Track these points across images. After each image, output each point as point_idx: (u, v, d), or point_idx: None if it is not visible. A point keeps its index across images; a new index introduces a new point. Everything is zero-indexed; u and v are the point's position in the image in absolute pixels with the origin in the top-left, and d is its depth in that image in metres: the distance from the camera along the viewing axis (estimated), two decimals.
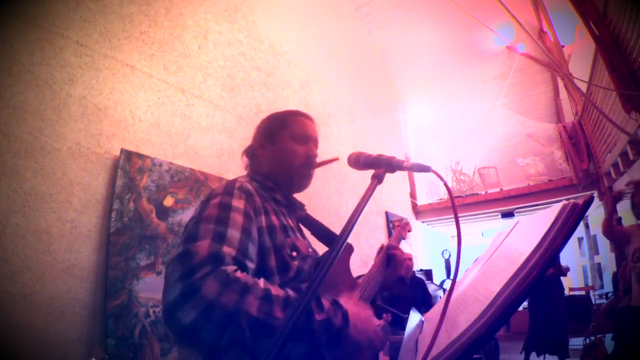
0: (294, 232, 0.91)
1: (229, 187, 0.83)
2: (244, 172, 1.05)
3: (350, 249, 0.99)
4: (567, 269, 4.23)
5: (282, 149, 0.98)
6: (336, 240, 0.59)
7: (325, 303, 0.73)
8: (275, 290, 0.69)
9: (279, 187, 0.96)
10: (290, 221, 0.94)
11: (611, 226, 2.78)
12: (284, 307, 0.67)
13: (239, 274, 0.68)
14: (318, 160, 1.02)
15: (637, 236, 2.58)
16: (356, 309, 0.78)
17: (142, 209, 2.19)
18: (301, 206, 1.02)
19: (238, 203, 0.80)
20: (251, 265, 0.75)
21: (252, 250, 0.77)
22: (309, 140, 1.01)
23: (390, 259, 1.14)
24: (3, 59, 1.76)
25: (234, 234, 0.74)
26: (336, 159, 1.04)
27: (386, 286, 1.13)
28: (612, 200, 2.84)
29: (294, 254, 0.85)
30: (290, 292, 0.71)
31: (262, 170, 0.99)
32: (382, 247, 1.17)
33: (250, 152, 1.05)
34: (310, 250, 0.91)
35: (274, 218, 0.87)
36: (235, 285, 0.65)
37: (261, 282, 0.69)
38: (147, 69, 2.46)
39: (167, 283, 0.67)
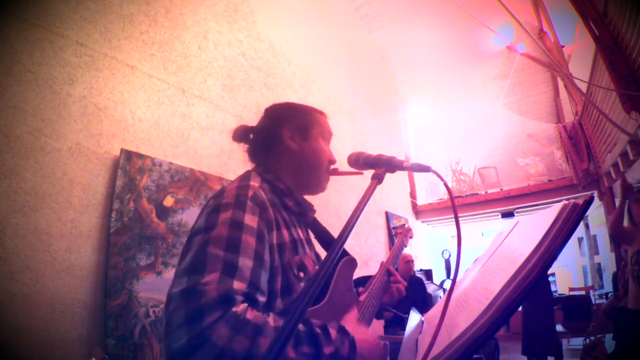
0: (302, 246, 0.86)
1: (241, 197, 0.74)
2: (245, 168, 0.95)
3: (353, 264, 0.94)
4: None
5: (315, 147, 0.93)
6: (332, 247, 0.56)
7: (332, 332, 0.70)
8: None
9: (290, 190, 0.89)
10: (299, 231, 0.89)
11: (621, 226, 2.68)
12: (295, 344, 0.65)
13: (249, 314, 0.63)
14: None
15: (638, 238, 2.57)
16: (362, 332, 0.76)
17: (142, 209, 2.20)
18: (311, 208, 0.96)
19: (251, 220, 0.72)
20: (262, 299, 0.70)
21: (264, 278, 0.72)
22: (329, 143, 0.99)
23: (387, 287, 1.09)
24: (3, 59, 1.76)
25: (245, 263, 0.67)
26: (361, 173, 0.94)
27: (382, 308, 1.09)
28: (623, 195, 2.73)
29: (301, 274, 0.81)
30: (301, 326, 0.68)
31: (280, 166, 0.91)
32: (382, 265, 1.12)
33: (269, 141, 0.93)
34: (317, 267, 0.87)
35: (285, 233, 0.81)
36: (246, 328, 0.61)
37: (271, 320, 0.65)
38: (147, 69, 2.46)
39: (171, 325, 0.61)
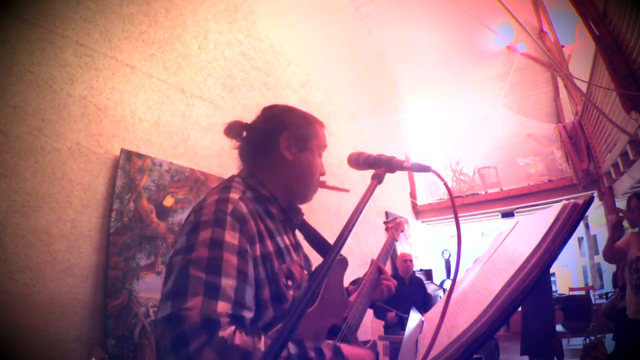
0: (289, 253, 0.85)
1: (220, 214, 0.72)
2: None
3: (344, 264, 0.94)
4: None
5: (311, 160, 0.91)
6: (332, 247, 0.56)
7: (327, 353, 0.70)
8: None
9: (274, 197, 0.88)
10: (285, 238, 0.87)
11: (613, 251, 2.69)
12: None
13: (237, 339, 0.62)
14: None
15: (633, 246, 2.55)
16: (357, 350, 0.77)
17: (142, 209, 2.19)
18: (298, 212, 0.95)
19: (231, 237, 0.71)
20: (249, 315, 0.69)
21: (250, 294, 0.71)
22: (322, 155, 0.97)
23: (377, 283, 1.09)
24: (3, 59, 1.76)
25: (228, 282, 0.66)
26: (347, 190, 0.99)
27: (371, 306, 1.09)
28: (612, 227, 2.73)
29: (289, 283, 0.80)
30: (292, 349, 0.67)
31: (269, 172, 0.89)
32: (372, 262, 1.11)
33: (263, 144, 0.89)
34: (305, 272, 0.88)
35: (268, 243, 0.80)
36: (235, 354, 0.60)
37: (262, 345, 0.64)
38: (147, 69, 2.46)
39: (160, 351, 0.62)
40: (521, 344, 3.96)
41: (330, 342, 0.75)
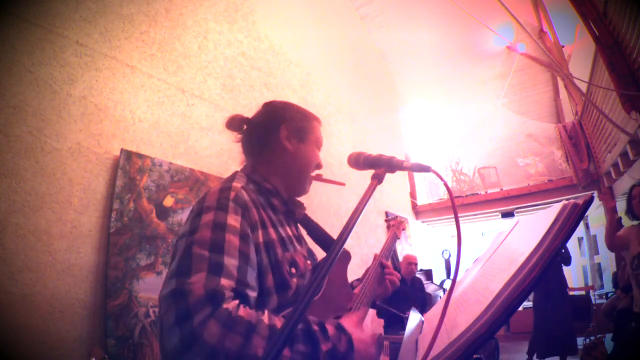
0: (292, 243, 0.87)
1: (223, 199, 0.75)
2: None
3: (347, 257, 0.95)
4: (569, 258, 4.07)
5: (309, 151, 0.94)
6: (332, 247, 0.56)
7: (330, 328, 0.71)
8: (281, 324, 0.65)
9: (277, 190, 0.90)
10: (288, 229, 0.89)
11: (613, 237, 2.67)
12: (291, 343, 0.65)
13: (242, 311, 0.63)
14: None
15: (635, 241, 2.55)
16: (360, 332, 0.77)
17: (142, 209, 2.20)
18: (300, 205, 0.98)
19: (234, 221, 0.73)
20: (252, 294, 0.70)
21: (252, 275, 0.72)
22: (320, 150, 1.00)
23: (381, 279, 1.09)
24: (3, 59, 1.76)
25: (231, 261, 0.68)
26: (343, 184, 1.04)
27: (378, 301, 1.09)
28: (610, 212, 2.71)
29: (293, 270, 0.81)
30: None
31: (270, 164, 0.92)
32: (375, 257, 1.12)
33: (264, 136, 0.93)
34: (308, 262, 0.89)
35: (271, 231, 0.81)
36: (239, 326, 0.61)
37: (266, 318, 0.65)
38: (147, 69, 2.46)
39: (163, 325, 0.62)
40: (533, 343, 3.84)
41: (333, 320, 0.75)
